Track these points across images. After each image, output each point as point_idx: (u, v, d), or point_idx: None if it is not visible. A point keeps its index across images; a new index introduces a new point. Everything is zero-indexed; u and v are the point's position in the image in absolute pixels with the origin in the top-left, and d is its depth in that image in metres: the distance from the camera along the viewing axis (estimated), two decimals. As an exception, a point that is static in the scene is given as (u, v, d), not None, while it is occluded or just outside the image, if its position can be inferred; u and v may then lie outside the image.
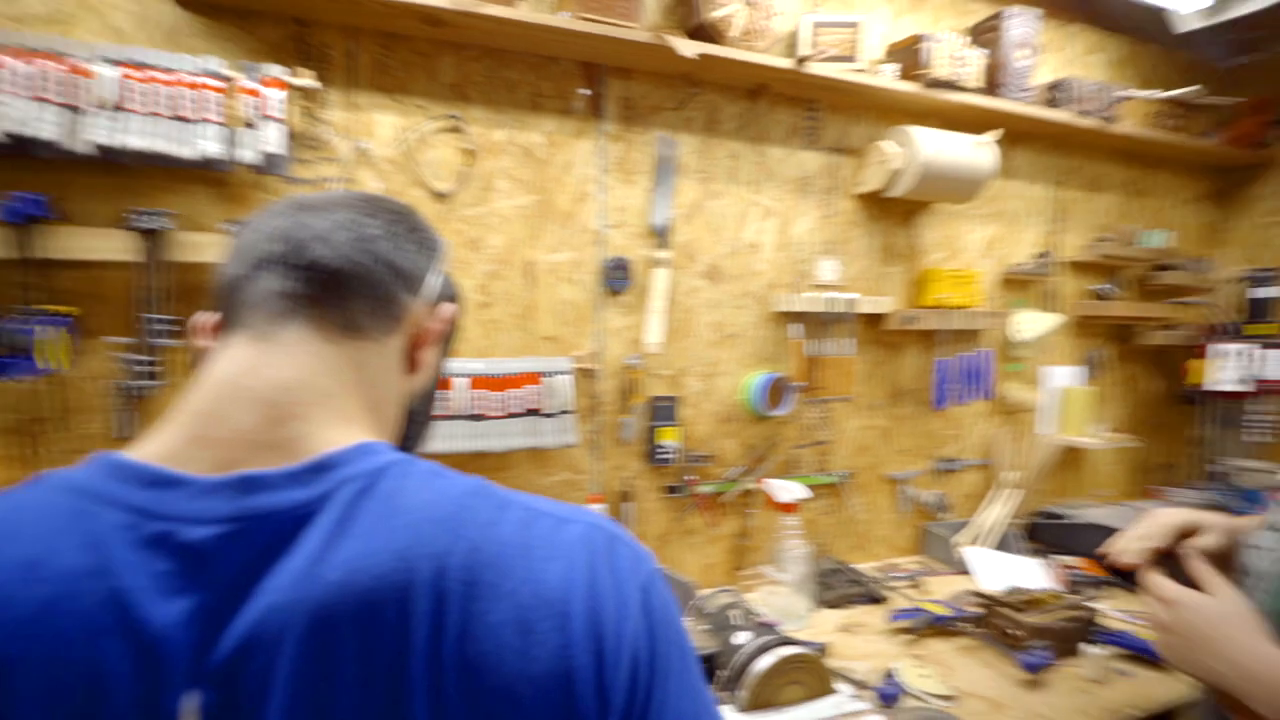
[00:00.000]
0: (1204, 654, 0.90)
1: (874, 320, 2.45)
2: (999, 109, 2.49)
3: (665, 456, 2.20)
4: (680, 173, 2.22)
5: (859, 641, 1.89)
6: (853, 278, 2.45)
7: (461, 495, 0.58)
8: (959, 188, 2.40)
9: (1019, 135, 2.67)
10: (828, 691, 1.55)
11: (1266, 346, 2.94)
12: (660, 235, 2.19)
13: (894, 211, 2.51)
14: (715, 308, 2.30)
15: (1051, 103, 2.71)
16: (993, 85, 2.55)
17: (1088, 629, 1.88)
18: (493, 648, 0.52)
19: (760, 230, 2.35)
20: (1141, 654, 1.85)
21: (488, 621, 0.53)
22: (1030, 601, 1.92)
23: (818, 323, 2.38)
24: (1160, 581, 0.98)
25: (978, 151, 2.39)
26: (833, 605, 2.15)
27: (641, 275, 2.18)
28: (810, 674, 1.55)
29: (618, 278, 2.15)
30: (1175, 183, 3.23)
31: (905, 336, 2.54)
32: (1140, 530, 1.05)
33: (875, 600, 2.19)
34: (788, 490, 2.15)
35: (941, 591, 2.20)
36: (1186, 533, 1.04)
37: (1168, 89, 3.03)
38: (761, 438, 2.37)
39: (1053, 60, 2.83)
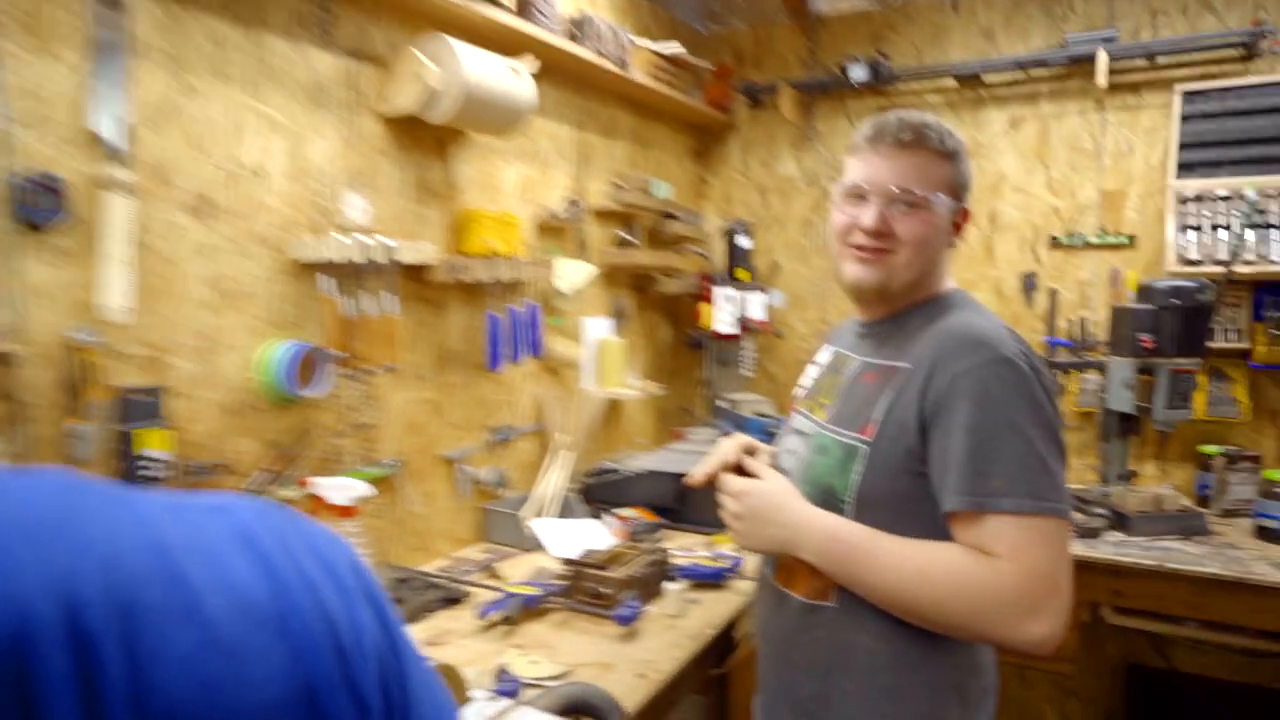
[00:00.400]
0: (769, 525, 1.19)
1: (415, 271, 2.06)
2: (531, 34, 2.28)
3: (151, 473, 1.50)
4: (139, 53, 1.51)
5: (453, 651, 1.68)
6: (384, 219, 2.02)
7: (54, 494, 0.43)
8: (501, 118, 2.14)
9: (546, 69, 2.48)
10: (465, 700, 1.40)
11: (745, 289, 3.26)
12: (112, 147, 1.45)
13: (427, 140, 2.15)
14: (210, 255, 1.65)
15: (574, 38, 2.57)
16: (523, 6, 2.30)
17: (665, 569, 2.01)
18: (193, 690, 0.40)
19: (265, 151, 1.75)
20: (706, 579, 2.04)
21: (172, 657, 0.40)
22: (611, 558, 1.96)
23: (352, 275, 1.89)
24: (731, 479, 1.25)
25: (518, 80, 2.13)
26: (411, 619, 1.76)
27: (86, 204, 1.43)
28: (449, 684, 1.39)
29: (41, 206, 1.36)
30: (671, 137, 3.41)
31: (451, 290, 2.22)
32: (714, 456, 1.32)
33: (455, 601, 1.91)
34: (344, 490, 1.65)
35: (520, 573, 2.09)
36: (748, 450, 1.33)
37: (659, 40, 3.13)
38: (291, 429, 1.80)
39: (570, -8, 2.71)
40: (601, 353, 2.84)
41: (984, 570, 1.04)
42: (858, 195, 1.23)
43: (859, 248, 1.22)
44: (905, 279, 1.21)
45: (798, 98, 3.38)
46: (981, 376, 1.08)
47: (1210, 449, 2.71)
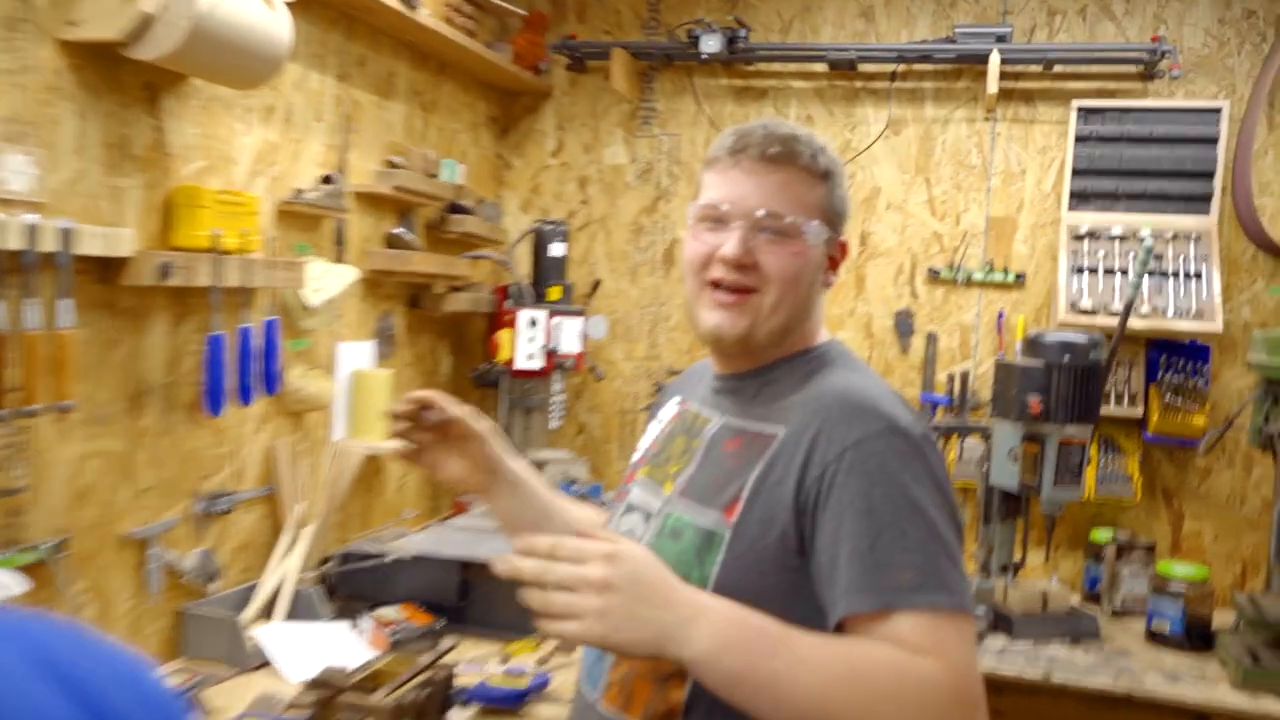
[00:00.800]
0: (652, 604, 1.07)
1: (103, 269, 1.98)
2: None
3: None
4: None
5: None
6: (59, 191, 1.92)
7: None
8: (244, 62, 2.11)
9: (302, -4, 2.41)
10: None
11: (557, 312, 3.28)
12: None
13: (130, 84, 2.08)
14: None
15: (341, -42, 2.51)
16: None
17: (447, 692, 1.97)
18: None
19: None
20: (502, 704, 2.05)
21: None
22: (371, 678, 1.91)
23: (5, 270, 1.75)
24: (583, 542, 1.10)
25: (269, 12, 2.09)
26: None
27: None
28: None
29: None
30: (466, 100, 3.40)
31: (155, 298, 2.14)
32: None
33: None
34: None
35: (237, 703, 2.01)
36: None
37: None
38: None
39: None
40: (359, 390, 2.77)
41: (922, 669, 1.06)
42: (716, 219, 1.28)
43: (717, 286, 1.27)
44: (773, 325, 1.27)
45: (633, 66, 3.47)
46: (875, 450, 1.14)
47: (1101, 535, 3.03)
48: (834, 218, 1.31)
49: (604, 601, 1.07)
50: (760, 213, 1.25)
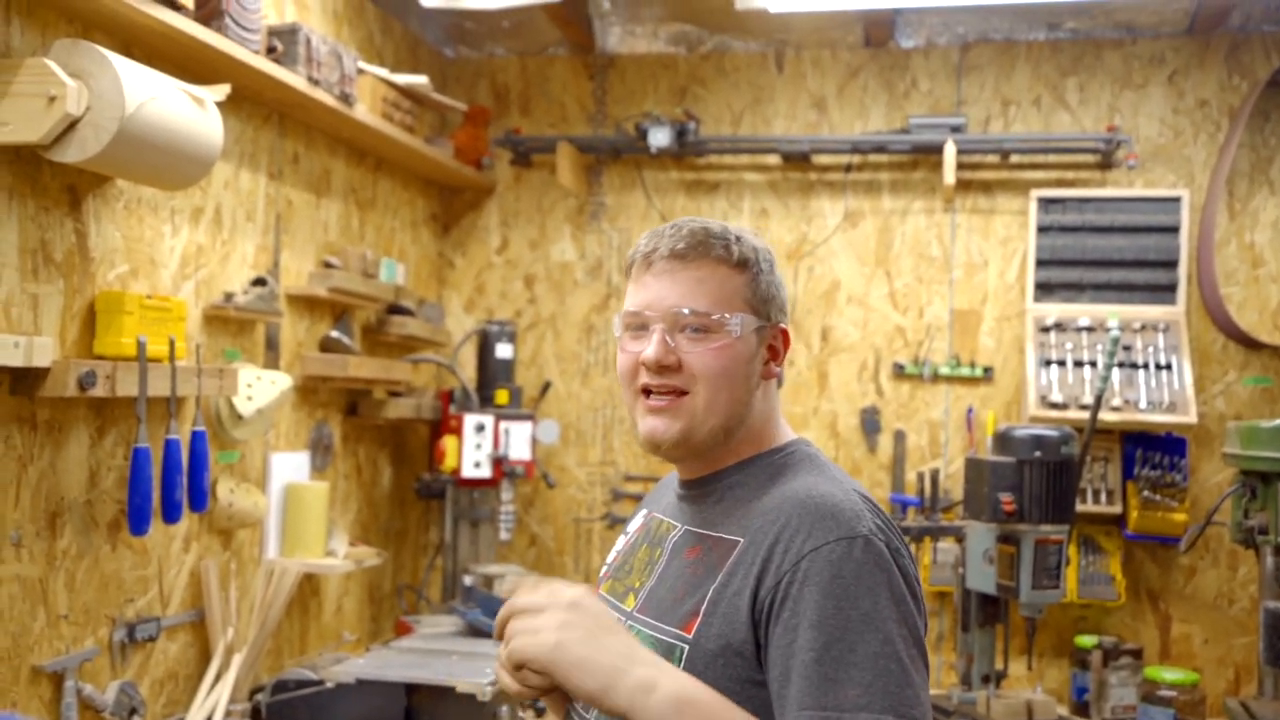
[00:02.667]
0: (615, 634, 1.18)
1: (20, 380, 1.99)
2: (218, 49, 2.31)
3: None
4: None
5: None
6: None
7: None
8: (172, 164, 2.16)
9: (233, 94, 2.47)
10: None
11: (505, 417, 3.31)
12: None
13: (51, 186, 2.12)
14: None
15: (274, 55, 2.59)
16: (210, 12, 2.32)
17: None
18: None
19: None
20: None
21: None
22: None
23: None
24: (551, 589, 1.21)
25: (200, 113, 2.15)
26: None
27: None
28: None
29: None
30: (403, 196, 3.47)
31: (75, 409, 2.14)
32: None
33: None
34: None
35: None
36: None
37: (393, 68, 3.20)
38: None
39: (276, -8, 2.73)
40: (294, 505, 2.77)
41: None
42: (639, 325, 1.33)
43: (649, 393, 1.31)
44: (711, 425, 1.30)
45: (580, 160, 3.57)
46: (831, 559, 1.16)
47: (1086, 640, 3.06)
48: (761, 306, 1.34)
49: (567, 616, 1.17)
50: (678, 311, 1.28)
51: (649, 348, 1.28)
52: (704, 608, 1.22)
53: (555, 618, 1.16)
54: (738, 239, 1.33)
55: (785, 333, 1.39)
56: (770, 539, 1.20)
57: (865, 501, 1.24)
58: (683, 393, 1.29)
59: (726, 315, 1.29)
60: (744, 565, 1.21)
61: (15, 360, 1.87)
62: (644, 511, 1.49)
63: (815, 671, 1.11)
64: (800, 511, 1.21)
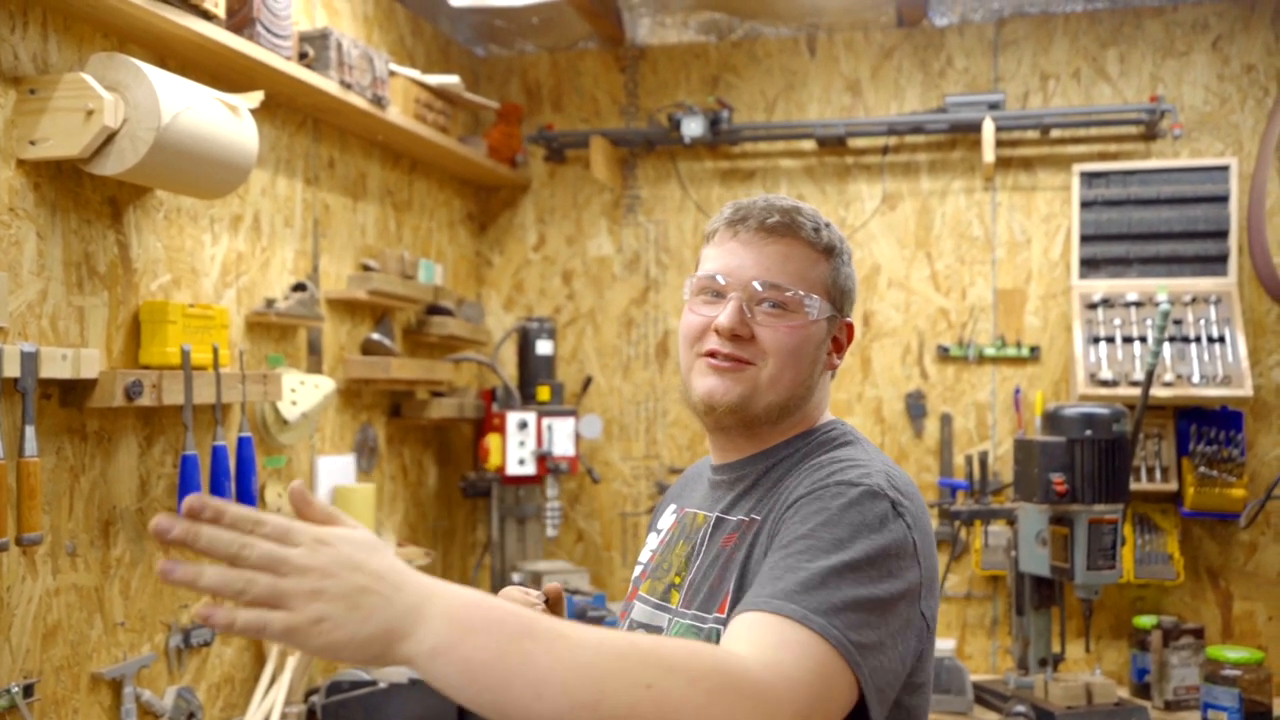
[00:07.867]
0: (377, 590, 0.90)
1: (69, 392, 2.03)
2: (252, 57, 2.34)
3: None
4: None
5: None
6: (19, 313, 1.96)
7: None
8: (211, 173, 2.19)
9: (268, 101, 2.50)
10: None
11: (547, 414, 3.33)
12: None
13: (93, 200, 2.15)
14: None
15: (306, 60, 2.62)
16: (242, 20, 2.34)
17: None
18: None
19: None
20: None
21: None
22: None
23: None
24: (294, 524, 0.92)
25: (236, 122, 2.18)
26: None
27: None
28: None
29: None
30: (439, 196, 3.49)
31: (124, 419, 2.17)
32: None
33: None
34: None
35: None
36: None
37: (424, 69, 3.23)
38: None
39: (306, -2, 2.76)
40: (341, 507, 2.77)
41: (728, 653, 1.00)
42: (714, 291, 1.32)
43: (713, 355, 1.29)
44: (771, 400, 1.30)
45: (613, 153, 3.58)
46: (821, 496, 1.16)
47: (1145, 621, 3.03)
48: (838, 296, 1.34)
49: (318, 585, 0.90)
50: (758, 284, 1.28)
51: (724, 314, 1.28)
52: (732, 587, 1.23)
53: (305, 586, 0.89)
54: (827, 225, 1.34)
55: (850, 327, 1.39)
56: (783, 501, 1.22)
57: (887, 469, 1.22)
58: (748, 364, 1.28)
59: (805, 295, 1.29)
60: (764, 533, 1.23)
61: (64, 372, 1.91)
62: (673, 507, 1.49)
63: (764, 578, 1.10)
64: (814, 468, 1.23)
